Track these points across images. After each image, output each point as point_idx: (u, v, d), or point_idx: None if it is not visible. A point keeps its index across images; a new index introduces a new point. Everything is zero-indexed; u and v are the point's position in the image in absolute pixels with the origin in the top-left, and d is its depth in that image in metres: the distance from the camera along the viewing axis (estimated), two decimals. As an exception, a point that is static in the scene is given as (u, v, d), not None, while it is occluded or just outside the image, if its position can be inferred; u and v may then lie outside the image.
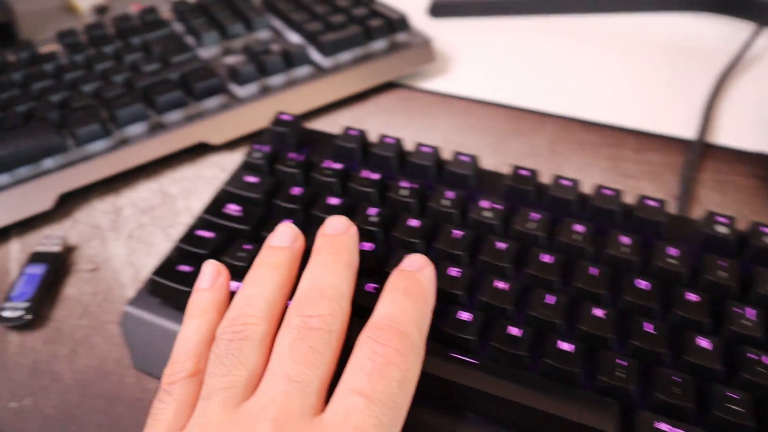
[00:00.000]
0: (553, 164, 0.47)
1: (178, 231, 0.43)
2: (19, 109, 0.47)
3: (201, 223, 0.38)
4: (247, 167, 0.41)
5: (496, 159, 0.47)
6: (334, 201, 0.38)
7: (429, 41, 0.57)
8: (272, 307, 0.27)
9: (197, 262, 0.35)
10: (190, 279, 0.33)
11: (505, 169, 0.44)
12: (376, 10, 0.57)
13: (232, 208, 0.38)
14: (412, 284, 0.27)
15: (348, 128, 0.42)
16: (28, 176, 0.44)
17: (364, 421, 0.22)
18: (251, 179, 0.39)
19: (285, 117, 0.43)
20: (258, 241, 0.35)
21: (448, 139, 0.50)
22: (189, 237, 0.36)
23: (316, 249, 0.29)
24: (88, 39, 0.56)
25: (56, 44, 0.56)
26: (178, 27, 0.58)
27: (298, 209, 0.37)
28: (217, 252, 0.36)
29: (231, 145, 0.50)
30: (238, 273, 0.32)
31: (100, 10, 0.67)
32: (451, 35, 0.63)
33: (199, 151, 0.49)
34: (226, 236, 0.37)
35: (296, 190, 0.38)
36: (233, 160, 0.48)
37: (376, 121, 0.51)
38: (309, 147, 0.43)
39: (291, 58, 0.52)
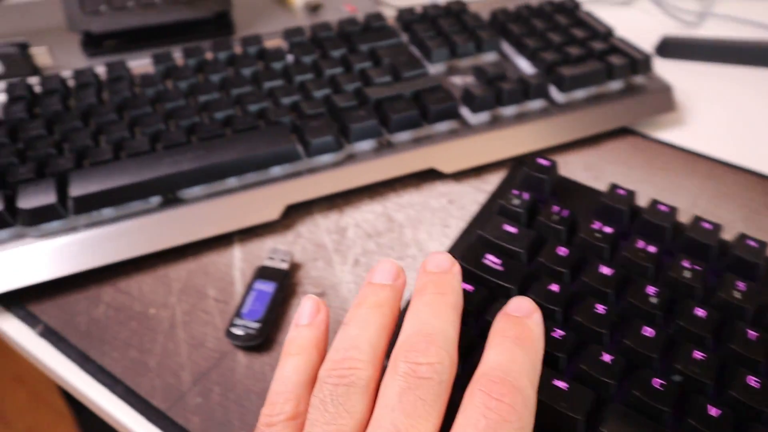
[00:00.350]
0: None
1: (407, 264, 0.40)
2: (251, 108, 0.45)
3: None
4: (504, 213, 0.37)
5: (750, 234, 0.42)
6: (606, 270, 0.34)
7: (669, 88, 0.53)
8: (376, 351, 0.26)
9: (463, 322, 0.32)
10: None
11: None
12: (617, 46, 0.53)
13: (493, 261, 0.34)
14: (523, 332, 0.26)
15: (614, 186, 0.38)
16: (255, 182, 0.43)
17: None
18: (511, 229, 0.36)
19: (542, 161, 0.39)
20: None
21: (694, 204, 0.45)
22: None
23: (420, 289, 0.28)
24: (314, 40, 0.54)
25: (281, 41, 0.54)
26: (404, 38, 0.55)
27: (565, 273, 0.34)
28: (480, 310, 0.32)
29: (456, 175, 0.46)
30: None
31: (314, 7, 0.65)
32: (684, 80, 0.58)
33: (423, 176, 0.46)
34: (487, 293, 0.33)
35: (562, 251, 0.35)
36: (460, 191, 0.45)
37: (612, 172, 0.47)
38: (561, 197, 0.39)
39: (528, 90, 0.48)
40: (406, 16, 0.56)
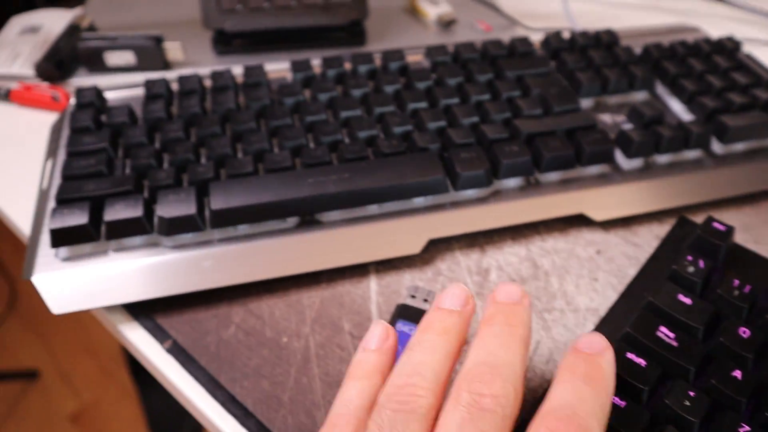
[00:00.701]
0: None
1: (554, 318, 0.37)
2: (395, 130, 0.43)
3: (629, 341, 0.31)
4: (677, 280, 0.34)
5: None
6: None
7: (838, 147, 0.48)
8: (440, 378, 0.25)
9: (629, 395, 0.29)
10: (624, 416, 0.28)
11: None
12: (783, 96, 0.49)
13: (666, 334, 0.31)
14: (594, 370, 0.25)
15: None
16: (396, 211, 0.40)
17: None
18: (685, 300, 0.32)
19: (719, 225, 0.36)
20: (707, 389, 0.29)
21: None
22: (618, 360, 0.30)
23: (488, 318, 0.27)
24: (457, 60, 0.51)
25: (422, 57, 0.52)
26: (550, 65, 0.52)
27: (749, 358, 0.30)
28: (653, 388, 0.29)
29: (604, 223, 0.43)
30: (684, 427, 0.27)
31: (447, 22, 0.62)
32: None
33: (568, 220, 0.43)
34: (661, 371, 0.30)
35: (745, 332, 0.31)
36: (608, 242, 0.42)
37: (774, 235, 0.43)
38: (733, 266, 0.35)
39: (689, 139, 0.45)
40: (553, 43, 0.53)
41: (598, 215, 0.42)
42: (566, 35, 0.55)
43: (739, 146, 0.47)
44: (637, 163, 0.45)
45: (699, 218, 0.42)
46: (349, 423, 0.25)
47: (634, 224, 0.44)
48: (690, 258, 0.35)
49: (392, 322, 0.36)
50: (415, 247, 0.40)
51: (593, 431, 0.23)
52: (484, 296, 0.39)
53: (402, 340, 0.35)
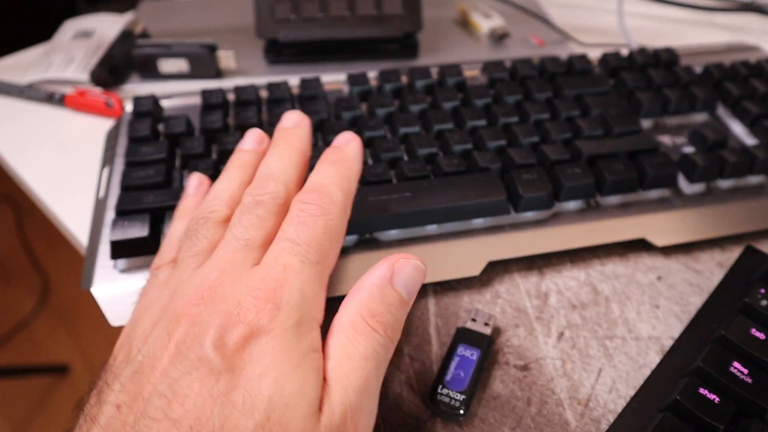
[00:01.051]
0: None
1: (616, 345, 0.36)
2: (455, 148, 0.43)
3: (701, 376, 0.31)
4: (748, 314, 0.33)
5: None
6: None
7: None
8: (236, 198, 0.32)
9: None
10: None
11: None
12: None
13: (740, 370, 0.30)
14: (338, 155, 0.33)
15: None
16: (455, 231, 0.40)
17: (291, 259, 0.28)
18: (759, 335, 0.32)
19: (794, 256, 0.35)
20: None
21: None
22: (691, 395, 0.30)
23: (273, 141, 0.35)
24: (515, 76, 0.50)
25: (478, 73, 0.51)
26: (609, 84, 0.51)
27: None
28: (728, 427, 0.29)
29: (665, 249, 0.42)
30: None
31: (500, 36, 0.61)
32: None
33: (628, 245, 0.42)
34: (735, 408, 0.29)
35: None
36: (669, 268, 0.41)
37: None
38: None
39: (754, 164, 0.44)
40: (612, 61, 0.53)
41: (659, 240, 0.42)
42: (624, 52, 0.54)
43: (796, 171, 0.46)
44: (699, 187, 0.44)
45: (763, 245, 0.42)
46: (172, 250, 0.33)
47: (696, 250, 0.43)
48: (763, 291, 0.34)
49: (453, 345, 0.35)
50: (474, 269, 0.39)
51: (334, 194, 0.30)
52: (544, 321, 0.38)
53: (462, 365, 0.34)
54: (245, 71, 0.58)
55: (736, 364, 0.31)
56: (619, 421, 0.31)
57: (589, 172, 0.41)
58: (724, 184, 0.45)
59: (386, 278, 0.29)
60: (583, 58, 0.52)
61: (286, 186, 0.31)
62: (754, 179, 0.45)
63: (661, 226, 0.42)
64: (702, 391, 0.30)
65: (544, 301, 0.39)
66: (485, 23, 0.62)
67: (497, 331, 0.37)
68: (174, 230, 0.34)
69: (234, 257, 0.28)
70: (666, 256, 0.42)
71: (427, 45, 0.61)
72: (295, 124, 0.35)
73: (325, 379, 0.26)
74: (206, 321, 0.26)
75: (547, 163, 0.42)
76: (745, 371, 0.31)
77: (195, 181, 0.37)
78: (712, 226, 0.43)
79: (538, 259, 0.41)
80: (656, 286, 0.40)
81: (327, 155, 0.33)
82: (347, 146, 0.34)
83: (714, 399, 0.30)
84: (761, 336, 0.32)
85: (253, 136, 0.36)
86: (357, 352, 0.26)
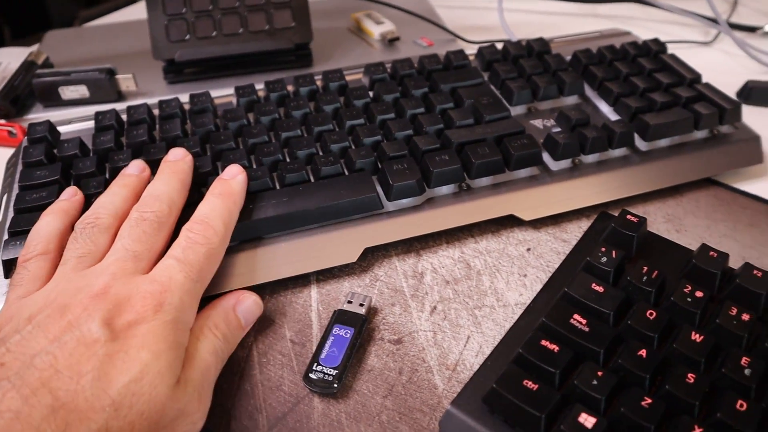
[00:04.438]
0: None
1: (484, 314, 0.39)
2: (333, 147, 0.46)
3: (544, 330, 0.34)
4: (591, 271, 0.36)
5: None
6: (696, 337, 0.33)
7: (757, 138, 0.51)
8: (119, 211, 0.37)
9: (543, 379, 0.31)
10: (540, 401, 0.30)
11: None
12: (705, 94, 0.51)
13: (579, 321, 0.34)
14: (225, 188, 0.39)
15: (705, 247, 0.37)
16: (333, 223, 0.42)
17: (177, 274, 0.33)
18: (598, 288, 0.35)
19: (632, 218, 0.38)
20: (615, 368, 0.31)
21: (785, 263, 0.43)
22: (533, 347, 0.33)
23: (160, 170, 0.40)
24: (395, 77, 0.54)
25: (362, 76, 0.54)
26: (484, 76, 0.55)
27: (654, 338, 0.33)
28: (566, 372, 0.32)
29: (534, 222, 0.45)
30: (592, 404, 0.30)
31: (391, 40, 0.65)
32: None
33: (501, 222, 0.45)
34: (573, 355, 0.32)
35: (651, 314, 0.33)
36: (539, 239, 0.44)
37: (694, 225, 0.46)
38: (648, 253, 0.38)
39: (613, 138, 0.47)
40: (487, 55, 0.56)
41: (526, 215, 0.45)
42: (500, 46, 0.57)
43: (663, 142, 0.49)
44: (565, 164, 0.47)
45: (629, 211, 0.45)
46: (40, 242, 0.36)
47: (564, 221, 0.46)
48: (603, 249, 0.37)
49: (330, 325, 0.38)
50: (351, 256, 0.42)
51: (218, 227, 0.36)
52: (419, 298, 0.41)
53: (337, 343, 0.37)
54: (146, 92, 0.60)
55: (576, 316, 0.34)
56: (474, 377, 0.34)
57: (456, 158, 0.44)
58: (589, 158, 0.48)
59: (231, 305, 0.37)
60: (459, 53, 0.55)
61: (170, 207, 0.37)
62: (617, 152, 0.49)
63: (529, 202, 0.45)
64: (544, 342, 0.33)
65: (420, 280, 0.42)
66: (376, 29, 0.65)
67: (373, 311, 0.40)
68: (40, 226, 0.38)
69: (125, 266, 0.33)
70: (536, 229, 0.46)
71: (322, 54, 0.64)
72: (180, 157, 0.41)
73: (184, 363, 0.32)
74: (98, 308, 0.30)
75: (418, 153, 0.45)
76: (584, 321, 0.34)
77: (71, 190, 0.42)
78: (578, 198, 0.46)
79: (415, 242, 0.44)
80: (525, 257, 0.44)
81: (215, 187, 0.39)
82: (233, 180, 0.40)
83: (554, 349, 0.33)
84: (600, 289, 0.35)
85: (137, 164, 0.42)
86: (205, 348, 0.34)
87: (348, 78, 0.54)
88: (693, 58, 0.62)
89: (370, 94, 0.51)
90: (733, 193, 0.50)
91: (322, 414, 0.35)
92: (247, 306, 0.37)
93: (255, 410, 0.35)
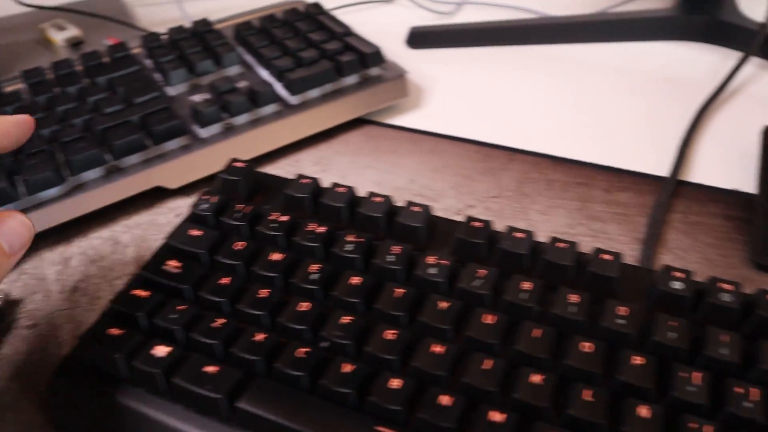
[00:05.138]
0: (518, 206, 0.45)
1: (124, 282, 0.42)
2: (-27, 155, 0.46)
3: (139, 280, 0.36)
4: (192, 219, 0.39)
5: (459, 201, 0.45)
6: (276, 257, 0.36)
7: (403, 74, 0.56)
8: None
9: (131, 325, 0.34)
10: (121, 343, 0.32)
11: (471, 212, 0.43)
12: (350, 44, 0.56)
13: (173, 265, 0.36)
14: None
15: (300, 176, 0.40)
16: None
17: None
18: (195, 233, 0.38)
19: (237, 164, 0.42)
20: (198, 300, 0.34)
21: (412, 180, 0.48)
22: (123, 297, 0.35)
23: None
24: (55, 77, 0.55)
25: (21, 83, 0.55)
26: (148, 63, 0.57)
27: (240, 265, 0.36)
28: (152, 313, 0.34)
29: (190, 189, 0.48)
30: (171, 336, 0.33)
31: (75, 44, 0.66)
32: (427, 67, 0.61)
33: (157, 195, 0.48)
34: (163, 296, 0.35)
35: (239, 245, 0.37)
36: (188, 204, 0.47)
37: (341, 161, 0.50)
38: (263, 195, 0.41)
39: (256, 97, 0.51)
40: (149, 43, 0.58)
41: (173, 183, 0.48)
42: (165, 36, 0.60)
43: (314, 93, 0.53)
44: (215, 129, 0.50)
45: (282, 162, 0.49)
46: None
47: (220, 183, 0.49)
48: (204, 197, 0.40)
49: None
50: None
51: None
52: (62, 281, 0.43)
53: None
54: None
55: (171, 262, 0.37)
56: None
57: (95, 142, 0.46)
58: (241, 119, 0.51)
59: None
60: (121, 46, 0.57)
61: None
62: (269, 109, 0.52)
63: (176, 171, 0.48)
64: (134, 292, 0.35)
65: (66, 265, 0.44)
66: (59, 36, 0.66)
67: (14, 303, 0.41)
68: None
69: None
70: (189, 195, 0.48)
71: (7, 64, 0.64)
72: None
73: None
74: None
75: (61, 145, 0.47)
76: (179, 265, 0.37)
77: None
78: (226, 158, 0.49)
79: (66, 229, 0.46)
80: (174, 223, 0.46)
81: None
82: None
83: (144, 295, 0.35)
84: (198, 233, 0.38)
85: None
86: None
87: (12, 88, 0.55)
88: (374, 15, 0.67)
89: (25, 98, 0.52)
90: (382, 128, 0.55)
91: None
92: (11, 227, 0.30)
93: None
